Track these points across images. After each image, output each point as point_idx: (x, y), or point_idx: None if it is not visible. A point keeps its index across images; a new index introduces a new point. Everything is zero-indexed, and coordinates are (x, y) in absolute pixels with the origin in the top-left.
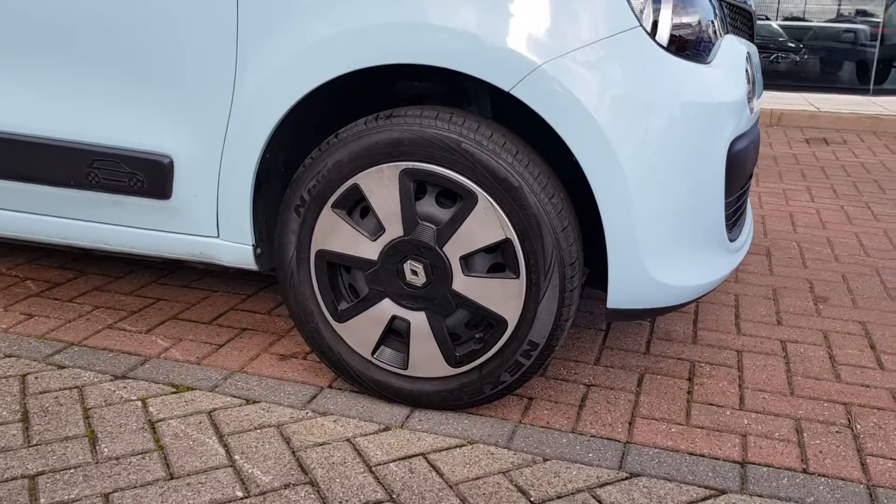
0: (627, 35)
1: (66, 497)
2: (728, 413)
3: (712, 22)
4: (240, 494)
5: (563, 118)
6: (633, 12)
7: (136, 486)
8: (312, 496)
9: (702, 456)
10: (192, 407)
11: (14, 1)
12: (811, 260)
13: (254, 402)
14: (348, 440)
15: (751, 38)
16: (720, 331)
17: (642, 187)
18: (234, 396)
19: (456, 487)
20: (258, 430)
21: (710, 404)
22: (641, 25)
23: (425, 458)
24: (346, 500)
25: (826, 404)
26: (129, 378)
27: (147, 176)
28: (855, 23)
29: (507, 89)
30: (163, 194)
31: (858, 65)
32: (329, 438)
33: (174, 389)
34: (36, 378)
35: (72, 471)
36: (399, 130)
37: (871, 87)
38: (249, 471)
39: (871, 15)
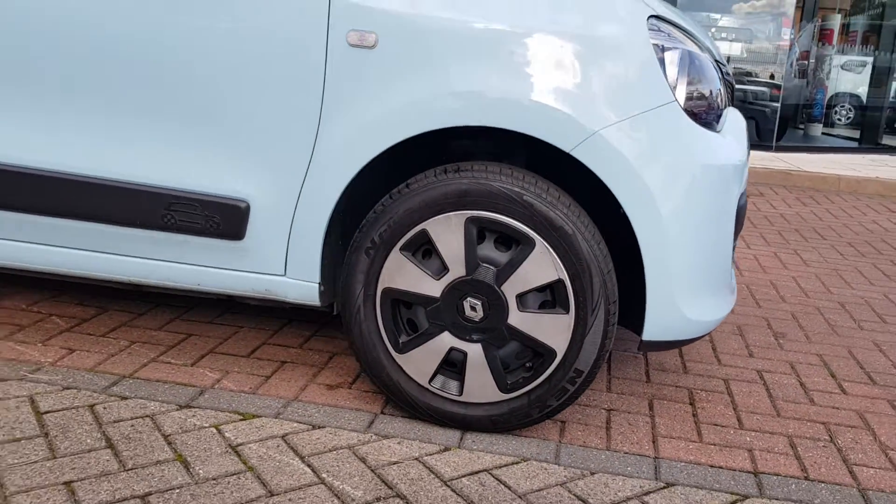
0: (666, 108)
1: None
2: (731, 432)
3: (720, 95)
4: None
5: (614, 176)
6: (670, 88)
7: (243, 503)
8: None
9: (720, 468)
10: (265, 432)
11: (110, 56)
12: (762, 300)
13: (320, 427)
14: (417, 459)
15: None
16: (704, 362)
17: (678, 236)
18: (299, 422)
19: (525, 497)
20: (334, 452)
21: (715, 424)
22: (676, 100)
23: (490, 474)
24: None
25: (808, 423)
26: (195, 407)
27: (224, 218)
28: (758, 84)
29: (567, 150)
30: (236, 236)
31: (760, 123)
32: (400, 458)
33: (241, 417)
34: (104, 408)
35: (178, 490)
36: (467, 183)
37: (774, 143)
38: (340, 487)
39: (773, 76)
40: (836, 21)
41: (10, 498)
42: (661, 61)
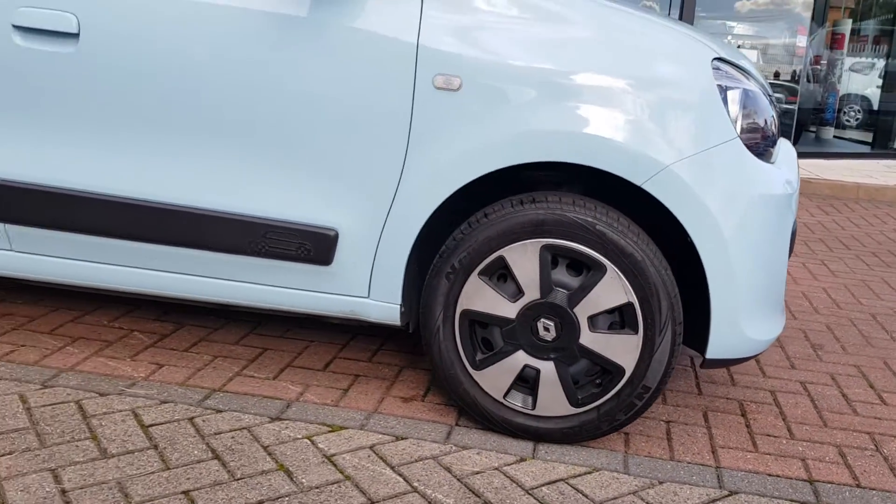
0: (730, 144)
1: None
2: (784, 442)
3: (774, 127)
4: None
5: (681, 207)
6: (732, 125)
7: None
8: None
9: (778, 476)
10: (354, 443)
11: (210, 98)
12: (797, 312)
13: (403, 439)
14: (497, 469)
15: None
16: (750, 374)
17: (740, 262)
18: (383, 433)
19: None
20: (420, 462)
21: (767, 435)
22: (738, 136)
23: (567, 483)
24: None
25: (854, 433)
26: (286, 419)
27: (314, 245)
28: (776, 90)
29: (638, 184)
30: (325, 261)
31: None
32: (482, 468)
33: (330, 428)
34: (203, 421)
35: (287, 498)
36: (543, 213)
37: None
38: (433, 495)
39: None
40: (846, 26)
41: None
42: (724, 100)
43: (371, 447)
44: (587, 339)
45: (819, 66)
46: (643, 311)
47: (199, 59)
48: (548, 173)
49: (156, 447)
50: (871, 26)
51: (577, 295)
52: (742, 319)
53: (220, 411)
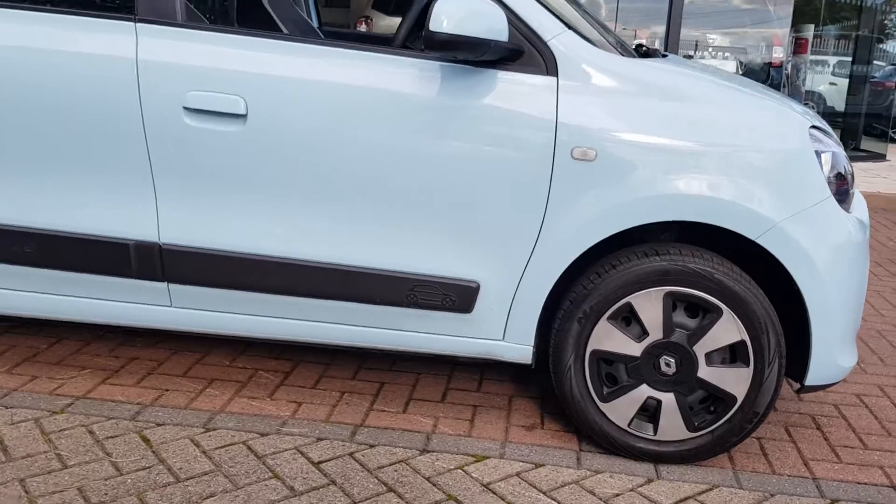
0: (825, 202)
1: None
2: (861, 452)
3: (853, 181)
4: None
5: (790, 258)
6: (827, 185)
7: None
8: None
9: (865, 484)
10: (501, 471)
11: (368, 171)
12: None
13: (541, 465)
14: (633, 490)
15: None
16: None
17: (836, 302)
18: (523, 461)
19: None
20: (567, 487)
21: (845, 447)
22: (832, 195)
23: (696, 500)
24: None
25: None
26: (433, 451)
27: (458, 296)
28: None
29: (753, 238)
30: (467, 310)
31: None
32: (619, 490)
33: (474, 458)
34: (363, 456)
35: None
36: (667, 263)
37: None
38: None
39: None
40: (809, 31)
41: None
42: (820, 163)
43: (517, 475)
44: (704, 372)
45: (786, 71)
46: (754, 347)
47: (357, 138)
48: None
49: (334, 482)
50: (832, 31)
51: (697, 334)
52: (835, 351)
53: (372, 446)
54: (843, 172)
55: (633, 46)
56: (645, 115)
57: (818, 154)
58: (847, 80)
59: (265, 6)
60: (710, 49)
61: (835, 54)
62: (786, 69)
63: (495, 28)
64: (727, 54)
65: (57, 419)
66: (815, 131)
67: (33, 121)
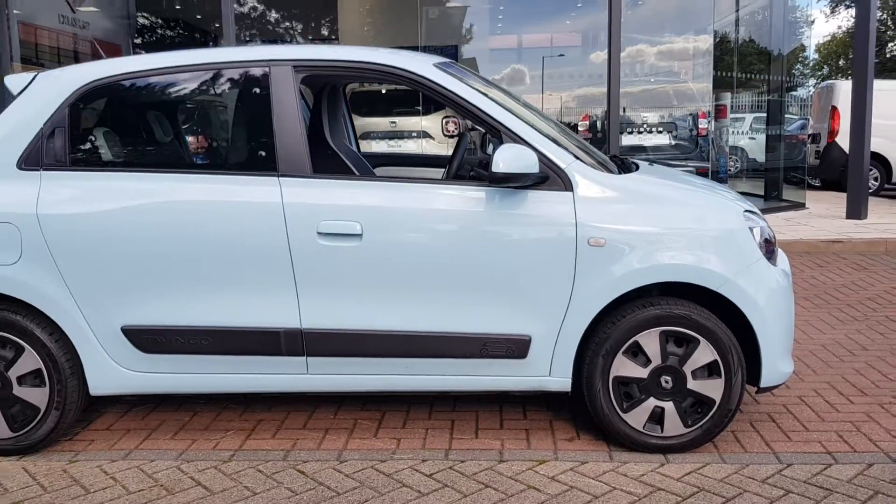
0: (758, 261)
1: None
2: (804, 433)
3: (775, 242)
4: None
5: (741, 300)
6: (758, 249)
7: None
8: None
9: (810, 453)
10: (560, 468)
11: (450, 267)
12: None
13: (585, 462)
14: (653, 471)
15: None
16: (766, 397)
17: (774, 326)
18: (572, 461)
19: (724, 481)
20: (607, 473)
21: (793, 431)
22: (763, 256)
23: (697, 473)
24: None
25: (843, 423)
26: (507, 461)
27: (516, 347)
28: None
29: (715, 289)
30: (522, 356)
31: None
32: (643, 471)
33: (538, 462)
34: (459, 467)
35: (556, 498)
36: (660, 311)
37: None
38: (630, 489)
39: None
40: (726, 99)
41: None
42: (752, 236)
43: (571, 469)
44: (692, 384)
45: (709, 135)
46: (723, 363)
47: (438, 243)
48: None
49: (446, 485)
50: (746, 98)
51: (684, 358)
52: (778, 361)
53: (463, 461)
54: (769, 238)
55: (610, 157)
56: (633, 214)
57: (751, 229)
58: (763, 136)
59: (338, 154)
60: (646, 125)
61: (750, 111)
62: (711, 135)
63: (530, 164)
64: (661, 129)
65: (229, 465)
66: (747, 213)
67: (212, 251)
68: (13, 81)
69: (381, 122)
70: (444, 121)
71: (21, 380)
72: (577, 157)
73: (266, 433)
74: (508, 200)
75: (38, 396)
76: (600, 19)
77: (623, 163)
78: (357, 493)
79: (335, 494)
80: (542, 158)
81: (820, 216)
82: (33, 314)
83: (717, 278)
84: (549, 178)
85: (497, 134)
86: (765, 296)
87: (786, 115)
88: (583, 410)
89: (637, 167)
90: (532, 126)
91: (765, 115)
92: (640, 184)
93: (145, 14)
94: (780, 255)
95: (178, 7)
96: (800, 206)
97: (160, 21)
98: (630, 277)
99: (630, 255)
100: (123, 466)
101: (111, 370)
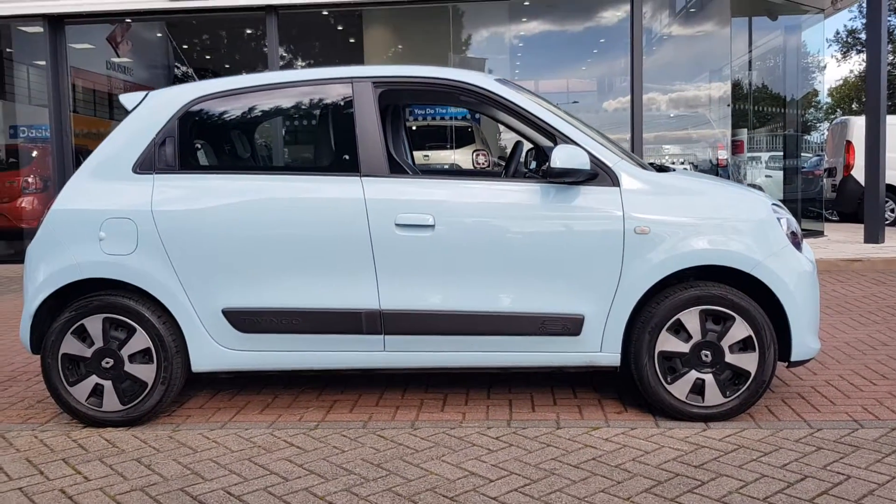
0: (786, 247)
1: None
2: (831, 406)
3: (800, 232)
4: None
5: (771, 281)
6: (785, 237)
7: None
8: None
9: (837, 420)
10: (612, 432)
11: (513, 252)
12: None
13: (635, 428)
14: (696, 434)
15: None
16: (796, 378)
17: (803, 304)
18: (623, 428)
19: (764, 440)
20: (655, 436)
21: (821, 405)
22: (789, 243)
23: (736, 436)
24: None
25: (867, 399)
26: (564, 427)
27: (571, 325)
28: None
29: (748, 271)
30: (576, 334)
31: None
32: (687, 434)
33: (592, 428)
34: (522, 433)
35: (621, 449)
36: (699, 292)
37: None
38: (674, 450)
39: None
40: (743, 134)
41: None
42: (780, 225)
43: (623, 433)
44: (729, 358)
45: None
46: (758, 338)
47: (503, 234)
48: None
49: (512, 445)
50: (762, 133)
51: (721, 334)
52: (807, 337)
53: (524, 427)
54: (795, 231)
55: (648, 163)
56: (673, 206)
57: (778, 219)
58: (781, 172)
59: (401, 165)
60: (667, 157)
61: (767, 150)
62: (730, 167)
63: (583, 161)
64: (682, 160)
65: (316, 432)
66: (774, 206)
67: (302, 243)
68: (127, 99)
69: (415, 156)
70: (474, 154)
71: (132, 357)
72: (622, 158)
73: (343, 410)
74: (563, 195)
75: (146, 372)
76: (616, 66)
77: (661, 167)
78: (434, 451)
79: (414, 451)
80: (592, 158)
81: (839, 242)
82: (144, 299)
83: (750, 261)
84: (598, 175)
85: (552, 137)
86: (793, 278)
87: (801, 154)
88: (629, 389)
89: (674, 170)
90: (581, 131)
91: (781, 153)
92: (677, 180)
93: (196, 69)
94: (806, 247)
95: (207, 57)
96: (818, 234)
97: (208, 72)
98: (672, 261)
99: (671, 241)
100: (222, 434)
101: (211, 348)
